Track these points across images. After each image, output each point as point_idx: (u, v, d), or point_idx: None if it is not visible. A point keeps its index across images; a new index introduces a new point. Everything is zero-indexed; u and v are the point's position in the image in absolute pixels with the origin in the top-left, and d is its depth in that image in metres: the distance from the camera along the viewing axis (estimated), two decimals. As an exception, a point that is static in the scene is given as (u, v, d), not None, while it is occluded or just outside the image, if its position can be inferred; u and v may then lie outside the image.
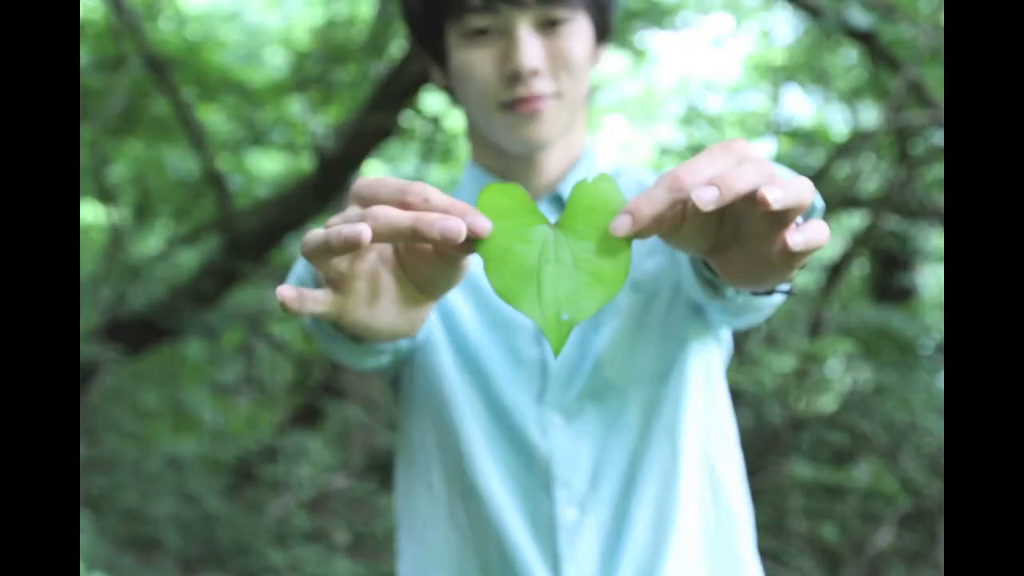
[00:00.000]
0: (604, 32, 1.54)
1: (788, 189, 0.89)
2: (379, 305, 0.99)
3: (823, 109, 7.81)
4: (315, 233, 0.94)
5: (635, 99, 12.65)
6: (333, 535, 6.09)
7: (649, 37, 7.28)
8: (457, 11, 1.43)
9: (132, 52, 6.22)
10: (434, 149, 7.05)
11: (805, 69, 7.17)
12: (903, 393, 4.41)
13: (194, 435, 7.78)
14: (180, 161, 7.75)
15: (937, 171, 5.72)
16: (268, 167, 9.00)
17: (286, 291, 0.93)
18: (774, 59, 4.51)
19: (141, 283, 6.71)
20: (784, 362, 3.49)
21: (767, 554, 4.56)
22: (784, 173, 1.26)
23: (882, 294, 6.50)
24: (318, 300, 0.96)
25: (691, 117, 7.84)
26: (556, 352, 0.91)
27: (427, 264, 0.98)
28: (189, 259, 8.08)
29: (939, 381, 4.87)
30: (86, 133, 6.30)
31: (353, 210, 0.94)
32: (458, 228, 0.88)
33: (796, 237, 0.91)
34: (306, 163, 7.51)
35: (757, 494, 4.75)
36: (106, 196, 5.52)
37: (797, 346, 3.88)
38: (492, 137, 1.50)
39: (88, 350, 5.60)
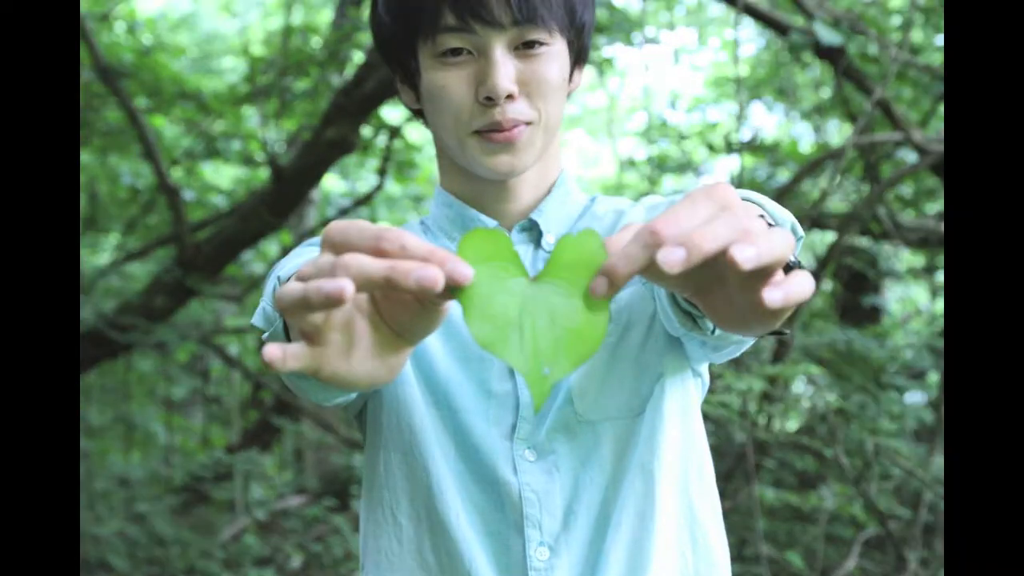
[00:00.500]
0: (581, 55, 1.49)
1: (762, 246, 0.84)
2: (356, 355, 0.92)
3: (787, 124, 7.84)
4: (291, 288, 0.88)
5: (597, 112, 12.66)
6: (285, 557, 6.02)
7: (613, 50, 7.27)
8: (430, 30, 1.37)
9: (83, 59, 6.13)
10: (392, 161, 6.98)
11: (769, 84, 7.20)
12: (870, 417, 4.39)
13: (145, 452, 7.70)
14: (133, 171, 7.68)
15: (903, 190, 5.73)
16: (225, 176, 8.94)
17: (272, 352, 0.87)
18: (737, 73, 4.46)
19: (91, 297, 6.60)
20: (748, 384, 3.46)
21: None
22: (775, 212, 1.22)
23: (849, 314, 6.51)
24: (298, 356, 0.90)
25: (653, 130, 7.84)
26: (538, 407, 0.88)
27: (405, 310, 0.92)
28: (141, 271, 7.99)
29: (906, 403, 4.87)
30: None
31: (325, 258, 0.88)
32: (434, 277, 0.83)
33: (774, 294, 0.87)
34: (262, 175, 7.43)
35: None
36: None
37: (760, 369, 3.85)
38: (463, 163, 1.46)
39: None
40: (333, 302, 0.84)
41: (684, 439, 1.47)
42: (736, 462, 4.33)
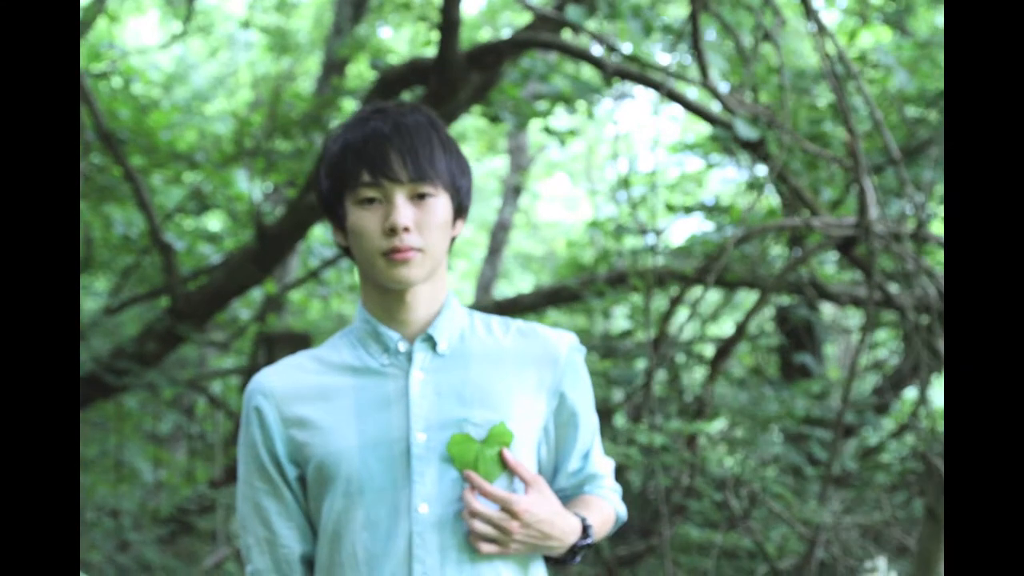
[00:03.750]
0: (460, 209, 2.15)
1: (505, 547, 2.02)
2: None
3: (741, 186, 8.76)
4: None
5: (577, 158, 13.59)
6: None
7: (576, 120, 8.19)
8: (353, 185, 2.04)
9: (85, 121, 7.04)
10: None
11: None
12: (782, 462, 5.30)
13: (132, 486, 8.54)
14: (125, 220, 8.57)
15: (823, 258, 6.69)
16: (214, 218, 9.82)
17: None
18: (656, 153, 5.36)
19: (87, 341, 7.52)
20: (649, 438, 4.35)
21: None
22: (593, 525, 2.15)
23: (786, 371, 7.47)
24: None
25: (620, 186, 8.77)
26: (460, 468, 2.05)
27: None
28: (131, 315, 8.90)
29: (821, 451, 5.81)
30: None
31: None
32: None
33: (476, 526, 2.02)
34: (249, 230, 8.35)
35: (645, 555, 5.67)
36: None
37: (666, 425, 4.78)
38: (375, 278, 2.10)
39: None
40: None
41: None
42: (654, 508, 5.25)
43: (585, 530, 2.13)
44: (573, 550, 2.12)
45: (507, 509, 2.00)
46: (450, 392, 2.10)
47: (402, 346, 2.12)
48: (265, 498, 2.13)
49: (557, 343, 2.20)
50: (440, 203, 2.08)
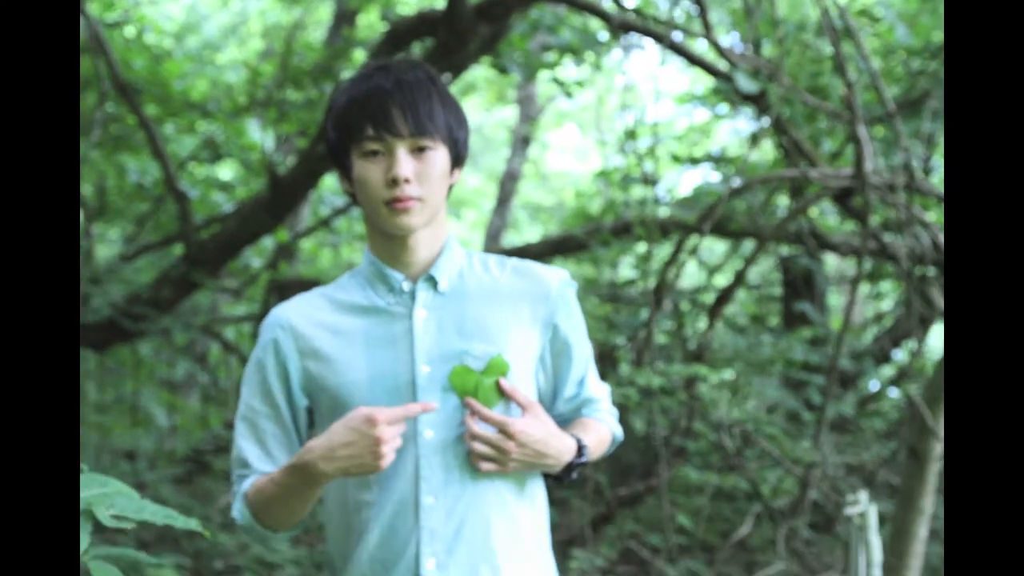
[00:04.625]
0: (457, 159, 2.30)
1: (502, 466, 2.20)
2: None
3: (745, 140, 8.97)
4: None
5: (587, 108, 13.75)
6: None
7: (584, 71, 8.38)
8: (359, 138, 2.18)
9: (102, 69, 7.26)
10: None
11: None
12: (777, 409, 5.54)
13: (147, 431, 8.82)
14: (139, 168, 8.82)
15: (821, 207, 6.91)
16: (226, 167, 10.06)
17: None
18: (656, 105, 5.59)
19: (104, 286, 7.77)
20: (647, 379, 4.58)
21: (649, 546, 5.73)
22: (588, 443, 2.34)
23: (789, 320, 7.70)
24: None
25: (627, 137, 8.98)
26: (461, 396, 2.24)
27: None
28: (144, 262, 9.16)
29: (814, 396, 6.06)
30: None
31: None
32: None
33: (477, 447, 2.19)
34: (262, 179, 8.59)
35: (645, 495, 5.93)
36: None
37: (665, 369, 5.02)
38: (378, 225, 2.26)
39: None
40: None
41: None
42: (654, 450, 5.50)
43: (580, 449, 2.31)
44: (570, 467, 2.30)
45: (504, 431, 2.18)
46: (451, 327, 2.26)
47: (406, 286, 2.28)
48: (264, 420, 2.33)
49: (549, 279, 2.37)
50: (439, 155, 2.23)
